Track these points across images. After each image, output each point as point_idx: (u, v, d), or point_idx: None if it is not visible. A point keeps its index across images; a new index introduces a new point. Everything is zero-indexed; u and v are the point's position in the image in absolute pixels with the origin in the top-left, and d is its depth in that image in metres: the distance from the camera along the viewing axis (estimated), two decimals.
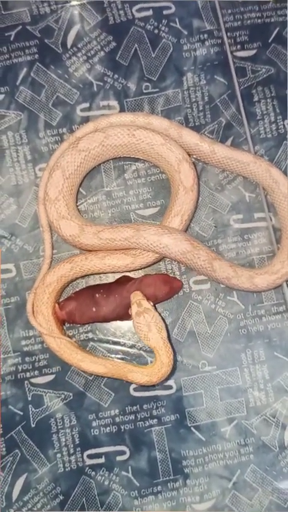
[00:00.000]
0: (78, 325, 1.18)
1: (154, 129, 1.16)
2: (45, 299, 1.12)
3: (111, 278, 1.19)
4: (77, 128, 1.22)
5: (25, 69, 1.23)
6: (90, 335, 1.18)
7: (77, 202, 1.20)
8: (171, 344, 1.10)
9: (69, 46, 1.23)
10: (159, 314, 1.11)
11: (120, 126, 1.16)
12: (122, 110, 1.23)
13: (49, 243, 1.17)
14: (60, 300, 1.16)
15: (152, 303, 1.11)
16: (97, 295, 1.13)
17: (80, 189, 1.22)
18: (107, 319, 1.14)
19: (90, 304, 1.12)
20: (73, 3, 1.24)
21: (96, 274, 1.18)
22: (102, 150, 1.15)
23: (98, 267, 1.12)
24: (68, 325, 1.18)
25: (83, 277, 1.18)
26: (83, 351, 1.13)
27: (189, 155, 1.16)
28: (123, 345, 1.18)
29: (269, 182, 1.18)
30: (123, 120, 1.17)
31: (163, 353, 1.08)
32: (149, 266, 1.17)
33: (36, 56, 1.23)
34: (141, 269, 1.18)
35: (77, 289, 1.18)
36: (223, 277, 1.12)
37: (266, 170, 1.17)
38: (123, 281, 1.16)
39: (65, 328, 1.17)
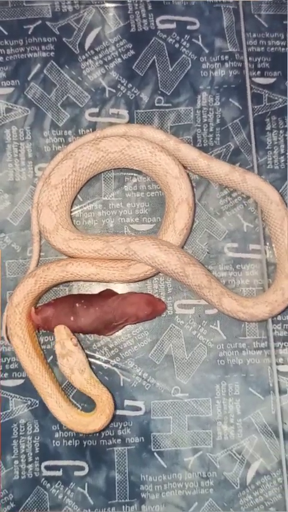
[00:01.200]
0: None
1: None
2: (17, 320, 1.09)
3: (96, 290, 1.17)
4: (83, 132, 1.20)
5: (39, 65, 1.20)
6: None
7: (71, 212, 1.17)
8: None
9: (86, 48, 1.21)
10: (84, 355, 1.10)
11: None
12: (131, 120, 1.21)
13: (36, 255, 1.15)
14: (39, 304, 1.14)
15: (76, 342, 1.09)
16: (77, 304, 1.10)
17: (78, 195, 1.19)
18: (83, 331, 1.12)
19: (68, 313, 1.09)
20: (97, 5, 1.21)
21: (64, 283, 1.15)
22: (97, 165, 1.14)
23: (60, 275, 1.09)
24: (45, 331, 1.15)
25: (66, 285, 1.16)
26: (55, 386, 1.10)
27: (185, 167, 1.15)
28: (98, 359, 1.16)
29: (260, 195, 1.16)
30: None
31: (99, 398, 1.08)
32: (133, 282, 1.15)
33: (52, 53, 1.20)
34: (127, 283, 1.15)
35: (59, 296, 1.15)
36: (195, 284, 1.09)
37: (256, 187, 1.16)
38: (106, 295, 1.14)
39: (39, 335, 1.15)
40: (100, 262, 1.10)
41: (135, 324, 1.14)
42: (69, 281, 1.15)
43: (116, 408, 1.14)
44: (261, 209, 1.18)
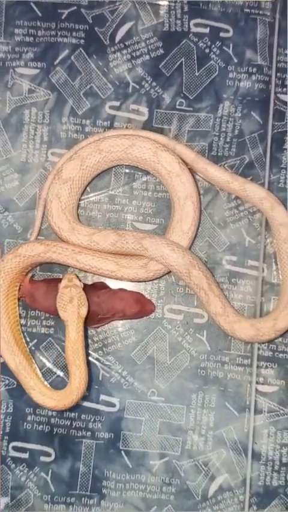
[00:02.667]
0: (41, 316, 1.16)
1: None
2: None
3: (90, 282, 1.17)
4: (101, 123, 1.20)
5: (67, 51, 1.20)
6: (51, 331, 1.17)
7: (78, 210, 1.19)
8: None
9: (116, 41, 1.20)
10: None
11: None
12: (150, 118, 1.20)
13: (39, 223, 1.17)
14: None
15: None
16: None
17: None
18: None
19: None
20: None
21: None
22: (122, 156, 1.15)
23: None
24: (33, 313, 1.16)
25: (62, 271, 1.17)
26: (37, 378, 1.11)
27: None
28: None
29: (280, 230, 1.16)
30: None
31: (76, 375, 1.07)
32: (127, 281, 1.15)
33: (82, 41, 1.20)
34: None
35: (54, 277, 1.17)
36: (158, 255, 1.10)
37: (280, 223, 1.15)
38: (99, 287, 1.14)
39: (24, 315, 1.16)
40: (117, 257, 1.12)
41: (122, 320, 1.14)
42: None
43: (91, 401, 1.14)
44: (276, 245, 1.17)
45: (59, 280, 1.14)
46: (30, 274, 1.13)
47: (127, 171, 1.19)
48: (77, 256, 1.10)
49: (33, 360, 1.14)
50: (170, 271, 1.13)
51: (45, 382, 1.13)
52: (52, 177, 1.14)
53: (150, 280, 1.16)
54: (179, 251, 1.09)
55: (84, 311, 1.08)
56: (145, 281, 1.15)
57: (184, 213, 1.14)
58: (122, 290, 1.14)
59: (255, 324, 1.11)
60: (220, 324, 1.11)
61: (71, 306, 1.07)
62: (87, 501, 1.14)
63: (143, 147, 1.13)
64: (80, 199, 1.18)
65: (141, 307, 1.12)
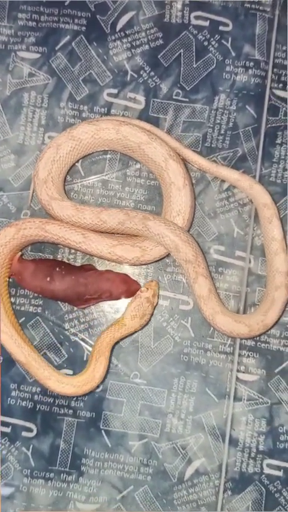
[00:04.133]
0: (30, 295, 1.18)
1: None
2: None
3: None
4: (98, 109, 1.22)
5: (68, 37, 1.22)
6: (39, 310, 1.19)
7: (65, 187, 1.21)
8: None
9: (117, 29, 1.23)
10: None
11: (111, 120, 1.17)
12: (147, 107, 1.23)
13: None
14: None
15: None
16: (57, 269, 1.14)
17: (80, 169, 1.22)
18: (56, 296, 1.14)
19: (47, 274, 1.13)
20: None
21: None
22: (93, 142, 1.16)
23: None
24: (22, 292, 1.19)
25: (51, 252, 1.19)
26: (49, 367, 1.13)
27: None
28: (67, 330, 1.19)
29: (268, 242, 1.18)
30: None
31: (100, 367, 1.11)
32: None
33: (84, 28, 1.23)
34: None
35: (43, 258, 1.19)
36: (183, 259, 1.12)
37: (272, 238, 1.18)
38: (86, 268, 1.17)
39: (13, 293, 1.18)
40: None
41: (108, 300, 1.17)
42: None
43: None
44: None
45: (48, 261, 1.17)
46: (19, 253, 1.16)
47: (122, 157, 1.22)
48: (45, 227, 1.12)
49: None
50: (136, 264, 1.15)
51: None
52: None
53: (114, 262, 1.17)
54: (177, 231, 1.11)
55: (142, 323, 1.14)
56: (107, 260, 1.17)
57: (176, 200, 1.15)
58: (108, 271, 1.16)
59: (239, 320, 1.13)
60: (201, 309, 1.13)
61: (140, 320, 1.12)
62: (65, 477, 1.17)
63: (136, 135, 1.15)
64: (74, 183, 1.21)
65: (127, 286, 1.15)
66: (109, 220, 1.12)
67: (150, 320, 1.16)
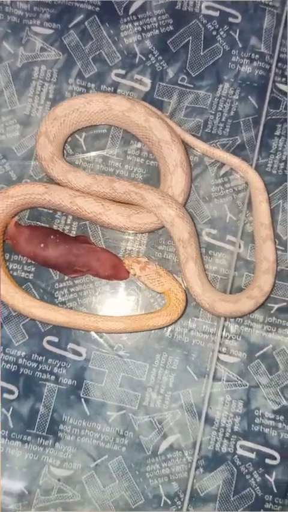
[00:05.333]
0: (23, 261, 1.21)
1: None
2: None
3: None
4: (105, 88, 1.26)
5: (82, 16, 1.26)
6: (31, 276, 1.22)
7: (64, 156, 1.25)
8: None
9: (130, 12, 1.27)
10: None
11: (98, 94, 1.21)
12: (152, 90, 1.26)
13: None
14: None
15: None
16: (52, 236, 1.17)
17: (82, 143, 1.25)
18: (47, 262, 1.17)
19: (41, 240, 1.16)
20: None
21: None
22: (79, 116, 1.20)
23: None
24: (15, 257, 1.22)
25: (48, 222, 1.22)
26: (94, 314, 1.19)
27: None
28: (56, 298, 1.21)
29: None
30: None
31: (178, 290, 1.15)
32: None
33: (97, 9, 1.27)
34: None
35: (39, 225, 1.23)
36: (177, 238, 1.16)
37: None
38: (80, 240, 1.20)
39: (7, 258, 1.21)
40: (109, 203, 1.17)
41: (95, 277, 1.20)
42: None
43: (59, 347, 1.20)
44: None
45: (44, 228, 1.20)
46: (16, 218, 1.19)
47: (124, 135, 1.25)
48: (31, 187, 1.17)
49: None
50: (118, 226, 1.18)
51: None
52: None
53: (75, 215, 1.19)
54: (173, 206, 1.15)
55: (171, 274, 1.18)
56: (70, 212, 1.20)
57: (175, 179, 1.18)
58: (103, 251, 1.19)
59: (227, 299, 1.17)
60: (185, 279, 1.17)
61: (164, 278, 1.16)
62: (42, 441, 1.19)
63: (140, 112, 1.19)
64: (75, 157, 1.24)
65: (114, 272, 1.17)
66: (98, 186, 1.16)
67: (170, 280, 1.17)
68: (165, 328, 1.21)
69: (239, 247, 1.23)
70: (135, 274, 1.16)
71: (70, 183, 1.16)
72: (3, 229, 1.19)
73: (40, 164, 1.20)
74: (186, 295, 1.17)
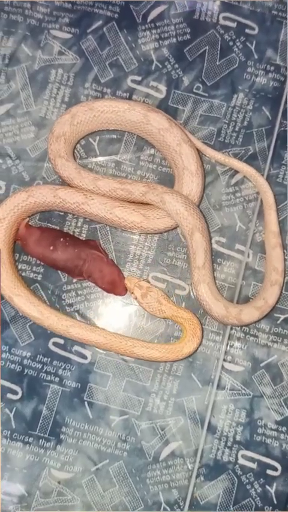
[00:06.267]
0: (32, 262, 1.22)
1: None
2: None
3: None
4: (121, 93, 1.27)
5: (100, 22, 1.28)
6: (39, 277, 1.22)
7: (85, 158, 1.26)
8: None
9: (148, 20, 1.28)
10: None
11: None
12: (167, 97, 1.27)
13: None
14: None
15: (148, 280, 1.19)
16: (61, 239, 1.17)
17: (96, 147, 1.26)
18: (55, 265, 1.18)
19: (51, 242, 1.16)
20: None
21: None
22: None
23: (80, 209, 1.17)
24: (25, 258, 1.22)
25: (59, 224, 1.23)
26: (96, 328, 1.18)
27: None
28: (63, 300, 1.22)
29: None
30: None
31: (182, 313, 1.16)
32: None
33: (116, 15, 1.28)
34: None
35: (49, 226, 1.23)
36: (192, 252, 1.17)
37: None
38: (91, 245, 1.20)
39: (17, 258, 1.22)
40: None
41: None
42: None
43: (65, 349, 1.20)
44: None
45: (54, 230, 1.20)
46: (27, 219, 1.19)
47: (137, 141, 1.26)
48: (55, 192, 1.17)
49: None
50: (138, 230, 1.19)
51: None
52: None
53: (115, 225, 1.20)
54: (190, 209, 1.15)
55: (170, 301, 1.18)
56: (108, 223, 1.20)
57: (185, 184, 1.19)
58: (108, 263, 1.18)
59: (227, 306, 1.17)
60: (198, 293, 1.16)
61: (165, 305, 1.16)
62: (44, 443, 1.18)
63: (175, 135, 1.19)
64: (88, 160, 1.25)
65: (112, 287, 1.18)
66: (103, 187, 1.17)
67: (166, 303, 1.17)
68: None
69: (248, 256, 1.24)
70: (136, 298, 1.16)
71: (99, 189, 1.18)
72: (15, 230, 1.19)
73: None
74: (191, 313, 1.17)
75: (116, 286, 1.18)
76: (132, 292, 1.16)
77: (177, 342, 1.18)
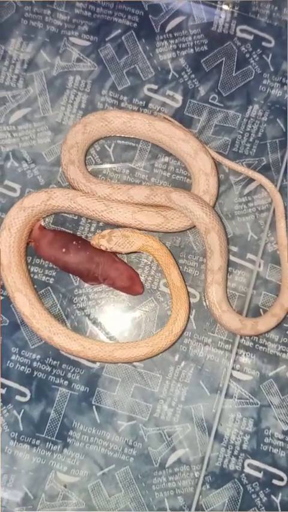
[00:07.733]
0: (45, 265, 1.23)
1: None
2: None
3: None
4: (137, 101, 1.28)
5: (119, 31, 1.29)
6: (51, 280, 1.23)
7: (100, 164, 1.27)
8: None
9: (166, 30, 1.30)
10: None
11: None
12: (183, 106, 1.29)
13: None
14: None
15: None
16: (74, 242, 1.18)
17: (111, 153, 1.27)
18: (67, 268, 1.19)
19: (63, 245, 1.17)
20: None
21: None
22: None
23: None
24: (38, 261, 1.23)
25: (73, 228, 1.24)
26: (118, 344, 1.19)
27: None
28: (74, 303, 1.22)
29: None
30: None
31: (152, 241, 1.17)
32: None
33: (135, 24, 1.30)
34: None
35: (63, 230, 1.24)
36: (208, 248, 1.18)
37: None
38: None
39: (29, 261, 1.22)
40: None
41: (111, 287, 1.20)
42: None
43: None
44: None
45: (67, 233, 1.21)
46: (41, 221, 1.21)
47: (152, 148, 1.27)
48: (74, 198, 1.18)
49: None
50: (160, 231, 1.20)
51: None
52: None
53: (138, 228, 1.20)
54: (205, 208, 1.16)
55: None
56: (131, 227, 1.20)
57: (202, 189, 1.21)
58: (122, 262, 1.20)
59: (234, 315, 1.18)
60: (208, 296, 1.18)
61: (132, 236, 1.17)
62: (50, 446, 1.19)
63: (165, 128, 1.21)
64: (103, 166, 1.26)
65: (130, 284, 1.19)
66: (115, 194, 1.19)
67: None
68: (180, 341, 1.21)
69: (259, 266, 1.25)
70: (106, 249, 1.17)
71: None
72: (28, 233, 1.20)
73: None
74: (160, 242, 1.19)
75: (135, 282, 1.19)
76: (100, 245, 1.16)
77: (165, 325, 1.18)
